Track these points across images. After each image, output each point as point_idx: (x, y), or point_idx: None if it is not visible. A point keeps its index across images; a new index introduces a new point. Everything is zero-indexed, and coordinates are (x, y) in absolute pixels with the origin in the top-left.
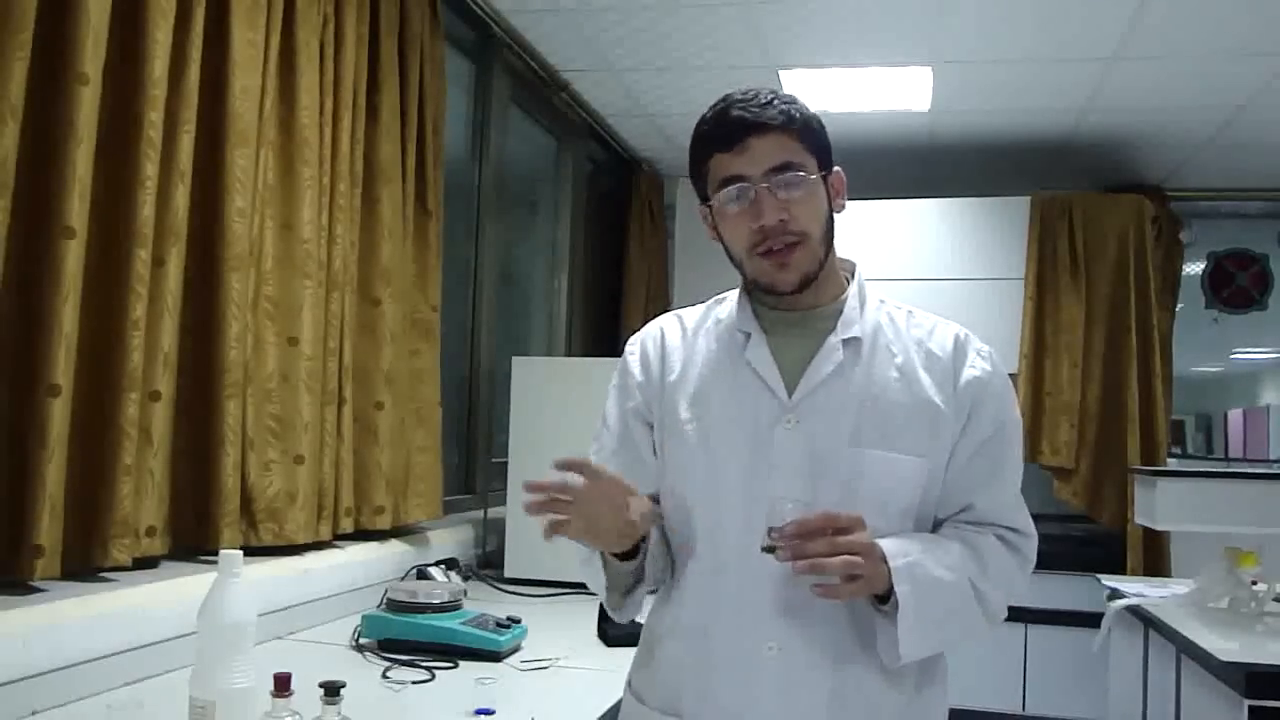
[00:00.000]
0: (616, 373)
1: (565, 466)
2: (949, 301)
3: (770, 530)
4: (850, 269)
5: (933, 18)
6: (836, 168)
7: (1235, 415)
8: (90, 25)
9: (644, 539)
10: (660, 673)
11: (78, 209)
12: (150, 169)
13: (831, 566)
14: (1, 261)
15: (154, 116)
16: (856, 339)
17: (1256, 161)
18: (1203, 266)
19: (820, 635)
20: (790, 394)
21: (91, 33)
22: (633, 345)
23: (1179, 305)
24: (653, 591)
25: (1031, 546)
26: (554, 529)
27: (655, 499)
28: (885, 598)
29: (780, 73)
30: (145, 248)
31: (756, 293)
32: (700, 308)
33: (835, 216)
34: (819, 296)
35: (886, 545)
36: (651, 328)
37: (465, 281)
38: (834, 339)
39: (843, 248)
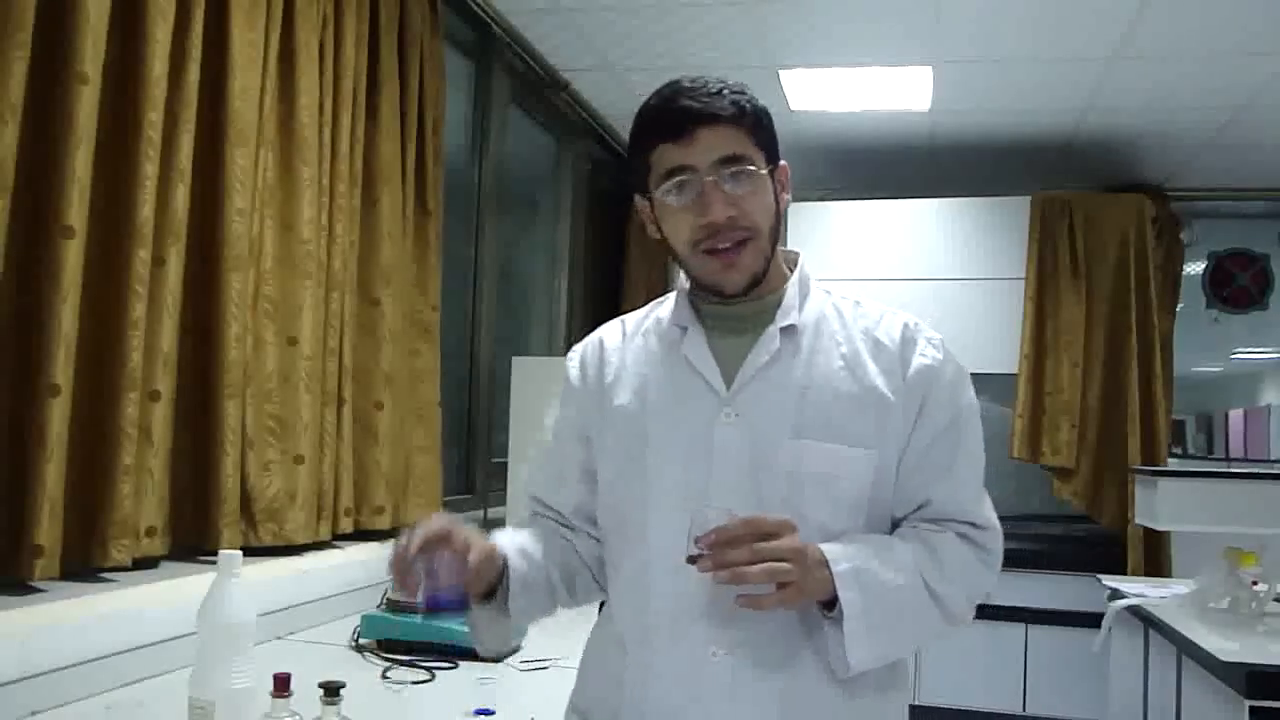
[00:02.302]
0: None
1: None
2: (949, 301)
3: (695, 540)
4: (792, 260)
5: (933, 18)
6: (783, 162)
7: (1236, 415)
8: (90, 25)
9: (503, 577)
10: (601, 686)
11: (77, 208)
12: (150, 168)
13: (751, 576)
14: (1, 261)
15: (154, 116)
16: (794, 327)
17: (1257, 161)
18: (1203, 266)
19: (768, 638)
20: (729, 387)
21: (91, 32)
22: (573, 354)
23: (1179, 305)
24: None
25: (994, 539)
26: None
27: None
28: (833, 604)
29: (780, 73)
30: (145, 247)
31: (696, 289)
32: (643, 310)
33: (782, 211)
34: (759, 289)
35: (830, 550)
36: (592, 336)
37: (465, 281)
38: (772, 328)
39: (843, 248)
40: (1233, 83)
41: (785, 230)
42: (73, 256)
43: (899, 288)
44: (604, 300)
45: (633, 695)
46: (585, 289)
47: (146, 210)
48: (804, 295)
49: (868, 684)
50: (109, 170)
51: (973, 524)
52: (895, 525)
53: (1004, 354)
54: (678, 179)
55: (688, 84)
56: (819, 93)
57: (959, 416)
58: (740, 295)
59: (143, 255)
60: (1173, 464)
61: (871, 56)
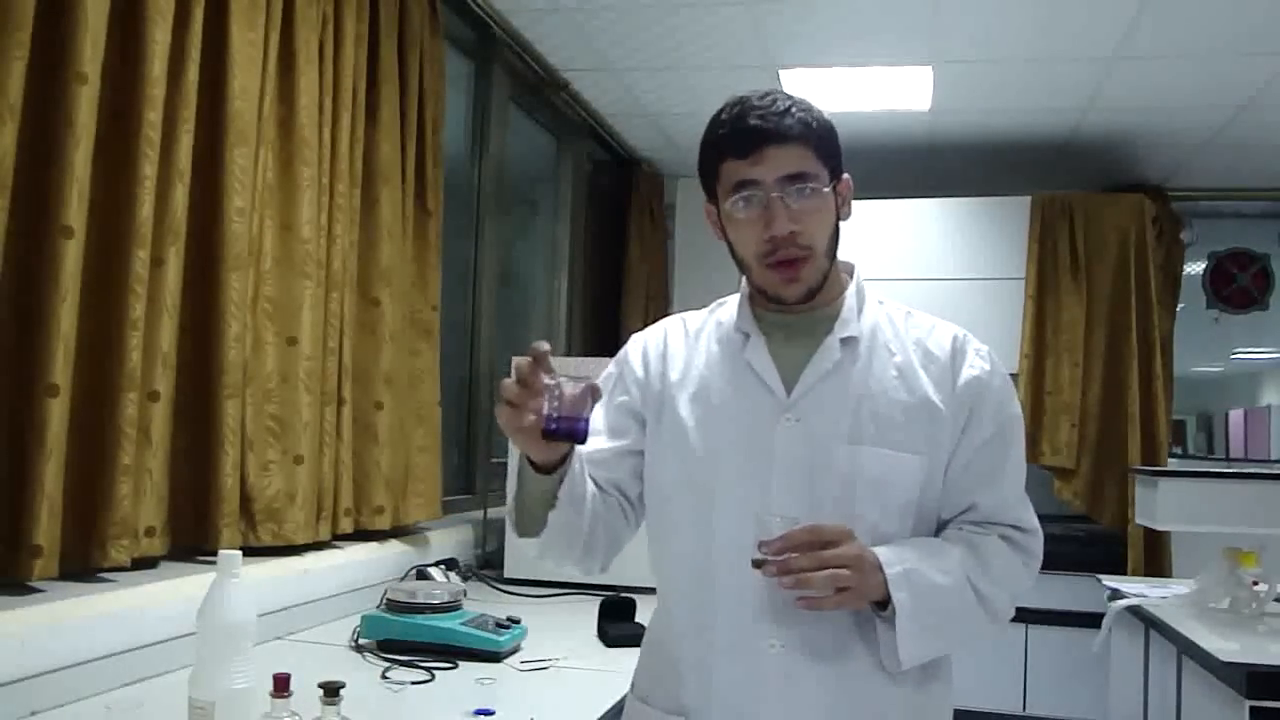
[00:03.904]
0: (614, 363)
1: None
2: (949, 301)
3: (760, 545)
4: (849, 270)
5: (933, 18)
6: (845, 174)
7: (1236, 415)
8: (89, 24)
9: (565, 461)
10: (664, 673)
11: (76, 208)
12: (149, 168)
13: (815, 581)
14: (0, 261)
15: (153, 116)
16: (854, 338)
17: (1257, 161)
18: (1204, 266)
19: (823, 632)
20: (789, 393)
21: (90, 32)
22: (635, 342)
23: (1180, 305)
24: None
25: (1037, 542)
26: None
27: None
28: (885, 604)
29: (780, 72)
30: (144, 247)
31: (757, 295)
32: (703, 312)
33: (841, 224)
34: (818, 299)
35: (882, 553)
36: (655, 329)
37: (465, 281)
38: (832, 338)
39: (842, 248)
40: (1233, 83)
41: None
42: (72, 256)
43: (899, 288)
44: (604, 300)
45: (692, 682)
46: (585, 289)
47: (146, 210)
48: (860, 305)
49: (911, 677)
50: (108, 170)
51: (1015, 527)
52: (941, 527)
53: (1004, 354)
54: (745, 193)
55: (757, 101)
56: (819, 93)
57: (1005, 425)
58: (800, 303)
59: (142, 255)
60: (1173, 464)
61: (871, 56)
